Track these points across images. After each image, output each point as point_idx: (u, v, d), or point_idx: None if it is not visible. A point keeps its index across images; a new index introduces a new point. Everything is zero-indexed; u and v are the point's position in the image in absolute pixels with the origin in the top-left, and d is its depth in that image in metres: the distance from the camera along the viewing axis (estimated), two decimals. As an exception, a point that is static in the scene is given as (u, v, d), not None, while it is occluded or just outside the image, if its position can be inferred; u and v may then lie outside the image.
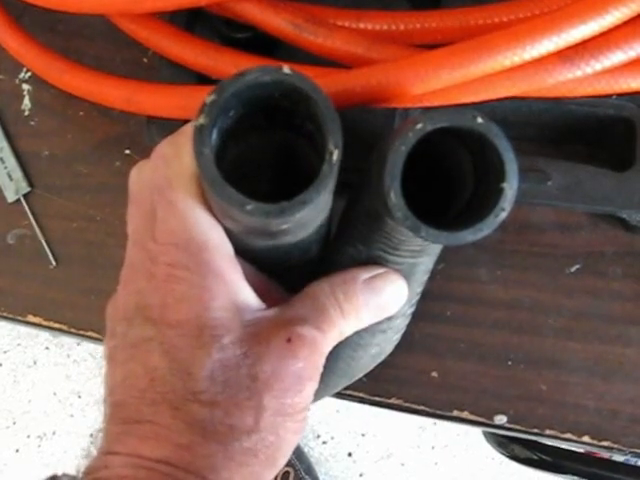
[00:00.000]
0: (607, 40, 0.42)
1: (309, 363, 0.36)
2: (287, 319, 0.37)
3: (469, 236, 0.33)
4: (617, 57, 0.42)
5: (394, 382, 0.53)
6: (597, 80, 0.44)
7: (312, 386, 0.37)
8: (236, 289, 0.36)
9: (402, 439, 1.68)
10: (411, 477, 1.68)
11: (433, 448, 1.67)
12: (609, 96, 0.46)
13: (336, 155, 0.31)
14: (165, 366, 0.35)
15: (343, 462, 1.70)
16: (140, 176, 0.39)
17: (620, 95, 0.46)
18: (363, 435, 1.69)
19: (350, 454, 1.70)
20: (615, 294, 0.53)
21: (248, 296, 0.37)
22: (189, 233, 0.35)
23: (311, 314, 0.38)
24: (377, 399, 0.53)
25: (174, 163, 0.35)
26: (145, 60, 0.59)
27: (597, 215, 0.53)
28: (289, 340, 0.36)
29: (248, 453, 0.35)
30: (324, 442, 1.70)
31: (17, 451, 1.78)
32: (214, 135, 0.32)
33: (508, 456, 0.86)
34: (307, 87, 0.31)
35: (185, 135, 0.36)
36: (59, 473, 0.36)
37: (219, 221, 0.36)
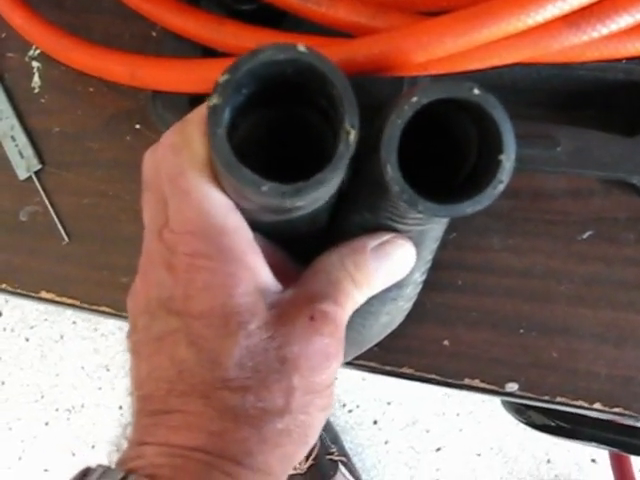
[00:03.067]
0: (614, 3, 0.41)
1: (334, 339, 0.37)
2: (306, 297, 0.37)
3: (467, 208, 0.33)
4: (624, 21, 0.41)
5: (405, 351, 0.53)
6: (604, 44, 0.43)
7: (338, 361, 0.37)
8: (258, 272, 0.36)
9: (427, 406, 1.69)
10: (436, 444, 1.69)
11: (458, 415, 1.68)
12: (618, 60, 0.46)
13: (353, 135, 0.31)
14: (193, 357, 0.35)
15: (369, 430, 1.71)
16: (153, 162, 0.38)
17: (629, 59, 0.45)
18: (388, 403, 1.70)
19: (375, 422, 1.71)
20: (628, 260, 0.52)
21: (268, 278, 0.37)
22: (206, 220, 0.35)
23: (327, 289, 0.38)
24: (388, 368, 0.54)
25: (184, 151, 0.35)
26: (154, 34, 0.58)
27: (610, 181, 0.52)
28: (312, 318, 0.36)
29: (282, 434, 0.35)
30: (350, 411, 1.71)
31: (47, 424, 1.81)
32: (226, 114, 0.32)
33: (525, 423, 0.86)
34: (323, 66, 0.31)
35: (192, 123, 0.35)
36: (93, 465, 0.37)
37: (235, 202, 0.36)
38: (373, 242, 0.40)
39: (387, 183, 0.33)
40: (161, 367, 0.36)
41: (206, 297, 0.35)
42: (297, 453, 0.37)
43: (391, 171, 0.33)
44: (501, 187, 0.33)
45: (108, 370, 1.80)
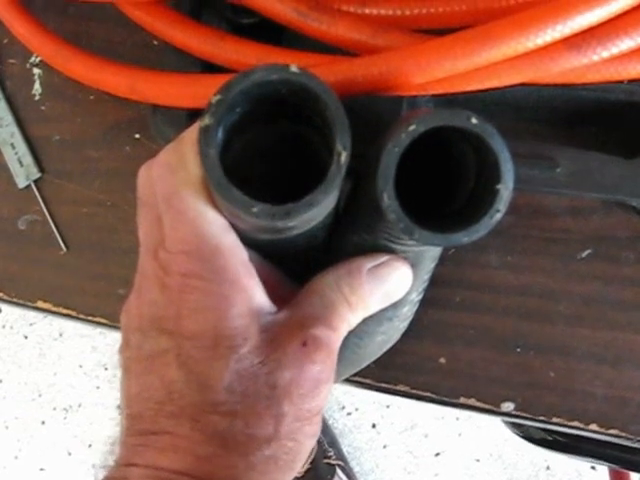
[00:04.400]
0: (615, 27, 0.40)
1: (325, 365, 0.36)
2: (299, 321, 0.37)
3: (464, 238, 0.33)
4: (625, 44, 0.41)
5: (401, 368, 0.53)
6: (605, 67, 0.43)
7: (328, 388, 0.37)
8: (252, 294, 0.36)
9: (426, 410, 1.69)
10: (435, 448, 1.69)
11: (457, 419, 1.68)
12: (620, 82, 0.45)
13: (344, 157, 0.30)
14: (183, 379, 0.35)
15: (367, 433, 1.71)
16: (148, 180, 0.38)
17: (632, 81, 0.45)
18: (387, 407, 1.70)
19: (374, 425, 1.71)
20: (627, 280, 0.52)
21: (262, 299, 0.37)
22: (201, 240, 0.34)
23: (321, 312, 0.38)
24: (384, 385, 0.54)
25: (178, 171, 0.35)
26: (155, 43, 0.58)
27: (607, 201, 0.52)
28: (304, 344, 0.36)
29: (269, 461, 0.35)
30: (348, 413, 1.71)
31: (43, 423, 1.81)
32: (219, 133, 0.31)
33: (522, 437, 0.85)
34: (316, 87, 0.31)
35: (186, 142, 0.35)
36: None
37: (228, 221, 0.35)
38: (369, 264, 0.40)
39: (383, 211, 0.33)
40: (151, 387, 0.36)
41: (198, 318, 0.35)
42: (283, 479, 0.37)
43: (387, 199, 0.32)
44: (498, 216, 0.32)
45: (106, 369, 1.81)
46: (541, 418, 0.52)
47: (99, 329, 1.59)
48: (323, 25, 0.44)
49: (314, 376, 0.36)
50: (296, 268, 0.42)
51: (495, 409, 0.52)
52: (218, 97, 0.30)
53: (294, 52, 0.46)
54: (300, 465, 0.37)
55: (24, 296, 0.59)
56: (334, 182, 0.31)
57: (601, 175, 0.47)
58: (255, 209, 0.30)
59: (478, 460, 1.67)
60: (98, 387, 1.80)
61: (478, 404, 0.52)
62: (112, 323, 0.57)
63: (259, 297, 0.36)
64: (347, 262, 0.40)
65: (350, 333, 0.40)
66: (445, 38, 0.41)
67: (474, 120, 0.32)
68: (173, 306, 0.35)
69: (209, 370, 0.34)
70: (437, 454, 1.69)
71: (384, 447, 1.70)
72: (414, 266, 0.41)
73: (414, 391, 0.53)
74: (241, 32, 0.49)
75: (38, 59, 0.61)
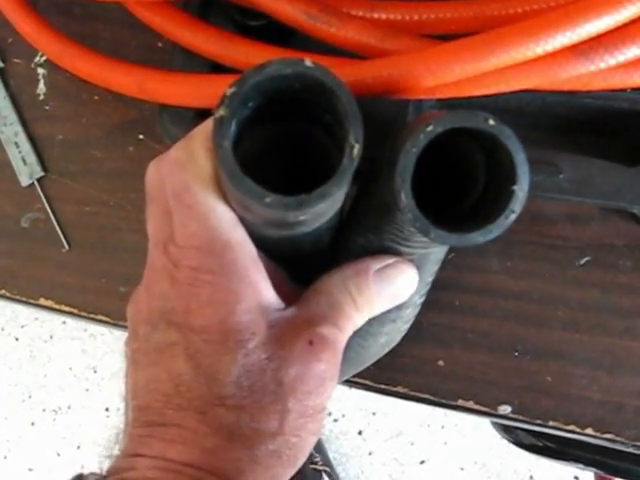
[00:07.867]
0: (622, 35, 0.41)
1: (330, 364, 0.37)
2: (306, 319, 0.37)
3: (479, 237, 0.33)
4: (632, 52, 0.41)
5: (400, 370, 0.54)
6: (611, 74, 0.43)
7: (333, 386, 0.37)
8: (260, 289, 0.36)
9: (412, 418, 1.69)
10: (420, 456, 1.69)
11: (443, 427, 1.68)
12: (624, 90, 0.46)
13: (357, 150, 0.31)
14: (190, 372, 0.35)
15: (353, 440, 1.71)
16: (157, 176, 0.38)
17: (635, 89, 0.46)
18: (374, 414, 1.70)
19: (360, 432, 1.71)
20: (624, 287, 0.52)
21: (270, 295, 0.37)
22: (211, 234, 0.35)
23: (327, 311, 0.38)
24: (383, 387, 0.54)
25: (189, 167, 0.35)
26: (160, 45, 0.59)
27: (608, 207, 0.52)
28: (311, 342, 0.36)
29: (273, 456, 0.35)
30: (335, 420, 1.72)
31: (33, 424, 1.81)
32: (232, 126, 0.32)
33: (512, 442, 0.85)
34: (330, 81, 0.31)
35: (196, 139, 0.36)
36: (85, 472, 0.37)
37: (238, 216, 0.36)
38: (376, 265, 0.40)
39: (400, 210, 0.33)
40: (159, 379, 0.36)
41: (207, 312, 0.35)
42: (285, 475, 0.37)
43: (405, 199, 0.33)
44: (513, 217, 0.33)
45: (95, 372, 1.80)
46: (538, 421, 0.52)
47: (89, 332, 1.59)
48: (332, 28, 0.44)
49: (319, 374, 0.36)
50: (300, 272, 0.42)
51: (492, 412, 0.52)
52: (233, 89, 0.31)
53: (303, 54, 0.46)
54: (302, 461, 0.38)
55: (26, 293, 0.59)
56: (346, 174, 0.31)
57: (603, 182, 0.47)
58: (268, 199, 0.30)
59: (462, 468, 1.68)
60: (87, 389, 1.80)
61: (476, 407, 0.52)
62: (114, 321, 0.57)
63: (267, 293, 0.37)
64: (354, 263, 0.40)
65: (354, 333, 0.40)
66: (455, 42, 0.41)
67: (491, 121, 0.32)
68: (182, 299, 0.35)
69: (217, 364, 0.35)
70: (422, 462, 1.69)
71: (370, 454, 1.70)
72: (418, 269, 0.41)
73: (413, 393, 0.54)
74: (248, 34, 0.49)
75: (43, 59, 0.61)
